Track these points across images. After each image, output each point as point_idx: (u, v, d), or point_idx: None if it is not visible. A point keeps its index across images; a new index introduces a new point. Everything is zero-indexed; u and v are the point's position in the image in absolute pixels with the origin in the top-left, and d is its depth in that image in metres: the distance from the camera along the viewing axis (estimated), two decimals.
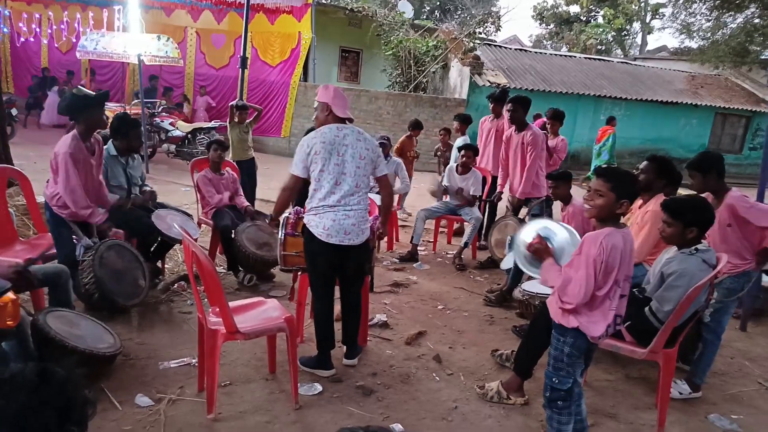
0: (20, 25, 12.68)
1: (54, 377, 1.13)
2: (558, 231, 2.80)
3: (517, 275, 4.48)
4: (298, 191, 3.30)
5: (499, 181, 5.91)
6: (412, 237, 5.85)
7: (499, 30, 16.60)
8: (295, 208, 3.64)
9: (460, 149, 6.03)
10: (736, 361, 3.96)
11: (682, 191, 3.56)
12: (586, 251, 2.30)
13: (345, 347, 3.43)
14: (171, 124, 10.72)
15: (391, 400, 3.07)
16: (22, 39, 13.37)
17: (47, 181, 3.63)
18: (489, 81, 13.62)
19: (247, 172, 6.27)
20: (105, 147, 3.97)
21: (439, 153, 8.30)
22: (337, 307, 3.41)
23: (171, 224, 4.10)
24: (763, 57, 16.63)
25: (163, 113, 11.28)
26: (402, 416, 2.92)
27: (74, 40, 12.05)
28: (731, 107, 16.65)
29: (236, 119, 6.51)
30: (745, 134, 17.21)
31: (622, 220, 2.57)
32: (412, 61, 14.47)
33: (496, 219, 5.94)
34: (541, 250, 2.56)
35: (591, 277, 2.28)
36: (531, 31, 71.75)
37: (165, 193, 6.96)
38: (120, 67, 13.77)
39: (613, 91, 15.53)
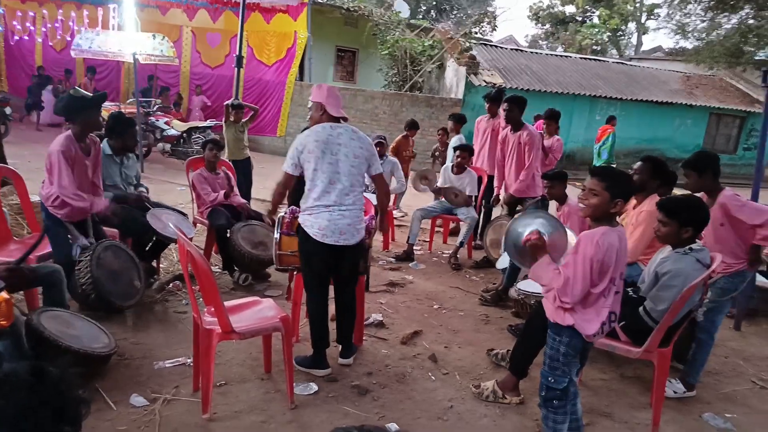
0: (14, 23, 12.59)
1: (48, 376, 1.13)
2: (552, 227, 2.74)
3: (512, 275, 4.49)
4: (291, 188, 3.30)
5: (495, 183, 5.92)
6: (408, 236, 5.85)
7: (495, 30, 16.68)
8: (291, 207, 3.64)
9: (455, 149, 6.04)
10: (730, 361, 3.98)
11: (677, 191, 3.57)
12: (582, 250, 2.30)
13: (340, 347, 3.43)
14: (166, 123, 10.69)
15: (387, 399, 3.07)
16: (16, 37, 13.29)
17: (43, 182, 3.61)
18: (485, 81, 13.64)
19: (243, 172, 6.26)
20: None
21: (437, 153, 8.31)
22: (332, 307, 3.41)
23: (166, 223, 4.09)
24: (757, 58, 16.69)
25: (159, 112, 11.25)
26: (397, 416, 2.92)
27: (69, 39, 11.98)
28: (726, 107, 16.74)
29: (232, 118, 6.49)
30: (740, 134, 17.32)
31: (617, 220, 2.57)
32: (408, 61, 14.49)
33: (492, 219, 5.95)
34: (537, 247, 2.55)
35: (587, 276, 2.28)
36: (527, 31, 71.93)
37: (160, 193, 6.95)
38: (115, 65, 13.72)
39: (608, 92, 15.58)
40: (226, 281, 4.62)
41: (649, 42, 62.62)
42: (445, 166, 6.26)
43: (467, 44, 14.67)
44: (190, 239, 3.35)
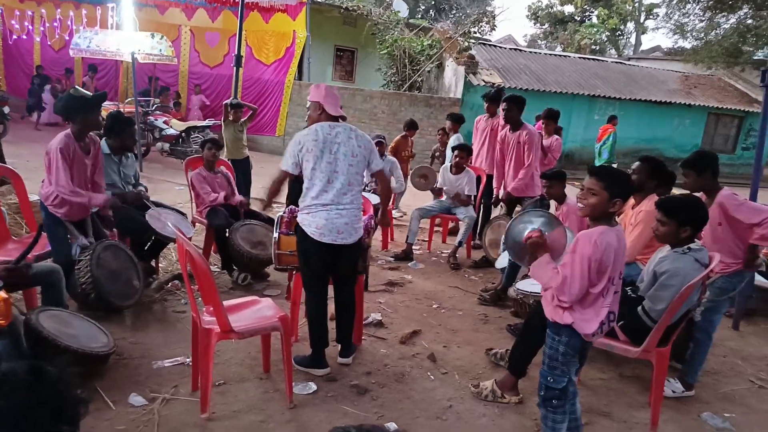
0: (12, 22, 12.57)
1: (46, 376, 1.13)
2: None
3: (511, 274, 4.49)
4: (288, 185, 3.30)
5: (494, 183, 5.92)
6: (407, 236, 5.85)
7: (494, 29, 16.60)
8: (290, 207, 3.63)
9: (453, 149, 6.04)
10: (728, 360, 3.98)
11: (675, 190, 3.57)
12: (580, 249, 2.31)
13: (339, 346, 3.43)
14: (165, 122, 10.68)
15: (386, 399, 3.07)
16: (15, 36, 13.27)
17: (42, 181, 3.60)
18: (484, 80, 13.64)
19: (242, 171, 6.27)
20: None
21: (437, 153, 8.31)
22: (331, 306, 3.41)
23: (165, 223, 4.09)
24: (755, 57, 16.74)
25: (157, 111, 11.24)
26: (396, 415, 2.92)
27: (67, 38, 11.96)
28: (724, 107, 16.75)
29: (231, 118, 6.49)
30: (738, 134, 17.33)
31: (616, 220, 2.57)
32: (407, 60, 14.47)
33: (491, 218, 5.95)
34: (538, 245, 2.54)
35: (585, 275, 2.28)
36: (526, 30, 72.07)
37: (159, 192, 6.95)
38: (114, 65, 13.71)
39: (607, 91, 15.58)
40: (225, 281, 4.62)
41: (647, 42, 62.84)
42: (444, 166, 6.26)
43: (466, 44, 14.67)
44: (189, 239, 3.35)
